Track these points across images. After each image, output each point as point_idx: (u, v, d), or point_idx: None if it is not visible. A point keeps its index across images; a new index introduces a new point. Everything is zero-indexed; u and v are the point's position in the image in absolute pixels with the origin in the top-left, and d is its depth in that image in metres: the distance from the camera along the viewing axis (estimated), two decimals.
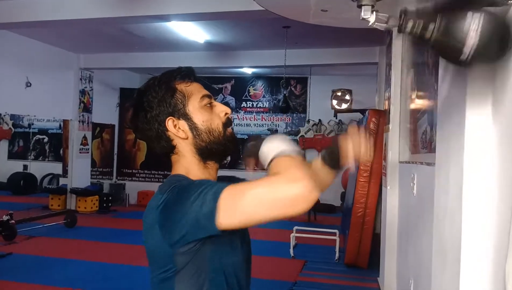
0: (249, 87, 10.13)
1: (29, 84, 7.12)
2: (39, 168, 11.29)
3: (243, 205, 0.86)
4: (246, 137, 9.91)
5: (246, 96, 10.14)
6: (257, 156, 1.04)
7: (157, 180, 9.80)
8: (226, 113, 1.12)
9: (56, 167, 10.67)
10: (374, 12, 0.87)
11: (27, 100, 7.18)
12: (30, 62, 7.21)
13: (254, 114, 10.11)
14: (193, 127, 1.08)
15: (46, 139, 11.81)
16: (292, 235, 5.69)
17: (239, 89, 10.14)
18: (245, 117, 10.13)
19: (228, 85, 10.18)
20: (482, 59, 0.87)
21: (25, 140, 11.88)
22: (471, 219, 1.29)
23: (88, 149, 9.02)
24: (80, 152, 8.75)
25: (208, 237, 0.91)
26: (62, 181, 9.34)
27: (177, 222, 0.91)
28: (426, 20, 0.85)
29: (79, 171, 8.77)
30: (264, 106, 10.08)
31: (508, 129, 1.10)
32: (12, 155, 11.91)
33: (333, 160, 1.24)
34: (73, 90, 8.48)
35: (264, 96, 10.10)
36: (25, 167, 11.43)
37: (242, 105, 10.16)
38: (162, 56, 8.03)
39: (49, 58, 7.70)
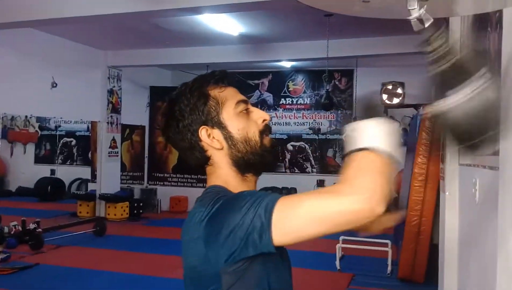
0: (288, 82, 10.11)
1: (55, 84, 7.40)
2: (67, 173, 11.74)
3: (298, 220, 0.86)
4: (285, 137, 9.91)
5: (285, 92, 10.13)
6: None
7: (190, 185, 9.94)
8: (264, 120, 1.11)
9: (84, 172, 11.04)
10: (422, 8, 0.85)
11: (53, 101, 7.47)
12: (55, 61, 7.49)
13: (294, 111, 10.07)
14: (228, 136, 1.08)
15: (73, 142, 12.25)
16: (338, 245, 5.63)
17: (277, 84, 10.14)
18: (284, 115, 10.11)
19: (265, 81, 10.19)
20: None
21: (52, 143, 12.37)
22: None
23: (118, 152, 9.26)
24: (109, 156, 9.01)
25: (258, 254, 0.90)
26: (90, 186, 9.66)
27: (225, 237, 0.90)
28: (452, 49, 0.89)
29: (109, 176, 9.03)
30: (305, 102, 10.03)
31: None
32: (39, 159, 12.43)
33: None
34: (100, 90, 8.75)
35: (304, 92, 10.04)
36: (53, 171, 11.91)
37: (280, 102, 10.15)
38: (194, 51, 8.15)
39: (75, 56, 7.97)
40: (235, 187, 1.07)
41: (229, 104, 1.09)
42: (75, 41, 7.83)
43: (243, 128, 1.08)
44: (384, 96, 7.93)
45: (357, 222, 0.84)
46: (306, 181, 9.41)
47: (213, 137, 1.08)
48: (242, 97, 1.12)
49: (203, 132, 1.08)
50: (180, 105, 1.09)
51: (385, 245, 5.44)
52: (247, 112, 1.10)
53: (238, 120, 1.08)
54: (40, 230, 6.55)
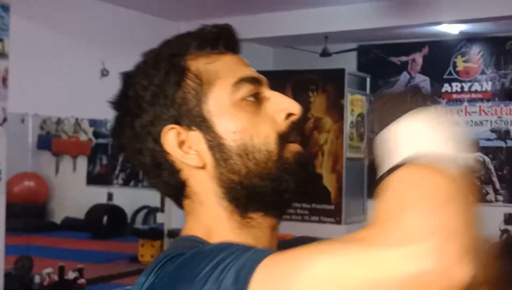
0: (456, 58, 9.79)
1: (105, 72, 7.69)
2: (130, 198, 12.32)
3: None
4: None
5: (450, 74, 9.83)
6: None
7: (300, 217, 9.78)
8: (289, 114, 0.95)
9: (153, 197, 11.40)
10: None
11: (103, 95, 7.73)
12: (105, 37, 7.81)
13: (466, 103, 9.76)
14: (215, 144, 0.92)
15: None
16: None
17: (437, 62, 9.87)
18: (450, 109, 9.71)
19: (418, 57, 9.93)
20: None
21: (109, 156, 13.00)
22: None
23: None
24: None
25: None
26: (159, 218, 9.95)
27: None
28: None
29: None
30: (483, 89, 9.68)
31: None
32: (92, 179, 13.13)
33: None
34: None
35: (483, 73, 9.68)
36: (110, 196, 12.51)
37: (444, 90, 9.88)
38: (306, 16, 8.09)
39: (134, 30, 8.25)
40: (227, 238, 0.91)
41: (222, 85, 0.94)
42: (135, 8, 8.12)
43: (245, 129, 0.92)
44: None
45: None
46: (485, 216, 8.95)
47: (189, 146, 0.93)
48: (249, 72, 0.97)
49: (170, 136, 0.93)
50: (136, 88, 0.97)
51: None
52: (257, 99, 0.94)
53: (236, 115, 0.93)
54: (82, 281, 6.86)
